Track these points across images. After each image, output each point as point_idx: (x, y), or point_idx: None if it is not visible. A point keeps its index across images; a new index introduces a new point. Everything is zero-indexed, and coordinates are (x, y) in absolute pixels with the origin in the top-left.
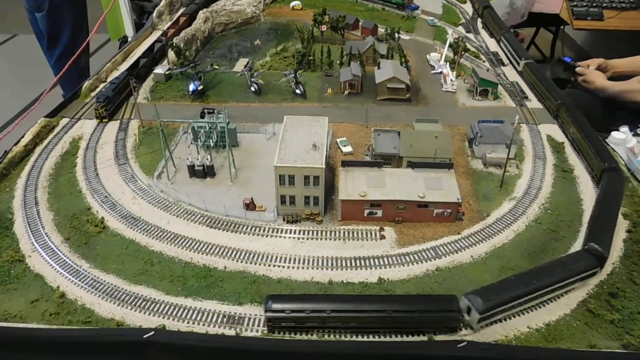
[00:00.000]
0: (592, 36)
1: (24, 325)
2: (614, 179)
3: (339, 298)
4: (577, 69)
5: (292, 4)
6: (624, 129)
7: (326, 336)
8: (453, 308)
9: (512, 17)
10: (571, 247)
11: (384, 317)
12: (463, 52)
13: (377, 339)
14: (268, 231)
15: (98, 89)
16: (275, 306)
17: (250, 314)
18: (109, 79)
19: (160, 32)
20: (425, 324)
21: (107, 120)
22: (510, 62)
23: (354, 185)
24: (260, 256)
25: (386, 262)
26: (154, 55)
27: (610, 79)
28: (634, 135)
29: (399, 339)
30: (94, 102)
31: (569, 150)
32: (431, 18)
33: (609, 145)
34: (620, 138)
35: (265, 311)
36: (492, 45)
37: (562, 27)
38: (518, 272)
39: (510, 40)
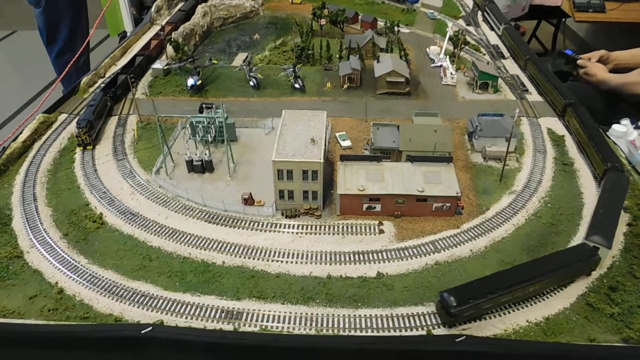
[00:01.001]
0: (594, 28)
1: (23, 321)
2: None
3: (507, 274)
4: (579, 62)
5: None
6: (625, 121)
7: (324, 331)
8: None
9: (513, 10)
10: (571, 240)
11: (545, 280)
12: (463, 45)
13: (377, 334)
14: (267, 226)
15: (96, 85)
16: (458, 300)
17: (249, 309)
18: (107, 74)
19: (159, 27)
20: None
21: (91, 147)
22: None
23: (353, 179)
24: (259, 251)
25: (385, 257)
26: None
27: (612, 71)
28: (635, 128)
29: (398, 334)
30: (75, 127)
31: (569, 143)
32: (431, 11)
33: (609, 138)
34: (621, 131)
35: (448, 307)
36: (493, 38)
37: (563, 19)
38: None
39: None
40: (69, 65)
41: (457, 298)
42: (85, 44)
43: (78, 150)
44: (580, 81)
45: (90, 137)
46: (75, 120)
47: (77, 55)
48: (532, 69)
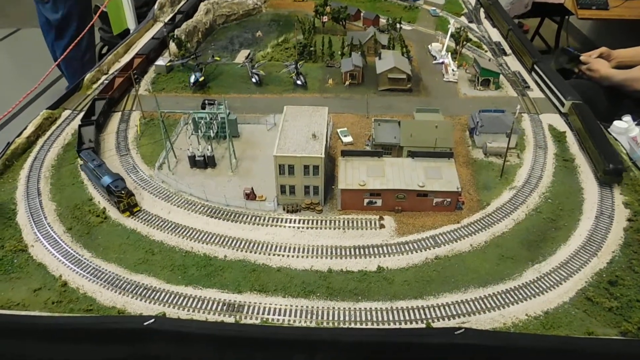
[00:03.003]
0: (597, 26)
1: (27, 313)
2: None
3: None
4: (581, 58)
5: None
6: (627, 118)
7: (325, 324)
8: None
9: (516, 7)
10: (571, 235)
11: None
12: (465, 42)
13: (376, 326)
14: (268, 221)
15: (100, 81)
16: None
17: (250, 302)
18: (110, 71)
19: (161, 24)
20: None
21: (138, 208)
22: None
23: (354, 174)
24: (260, 245)
25: (385, 251)
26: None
27: (615, 69)
28: (637, 124)
29: (397, 326)
30: (116, 192)
31: (570, 139)
32: (433, 8)
33: (611, 134)
34: (623, 127)
35: None
36: (495, 35)
37: (566, 17)
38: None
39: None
40: (70, 47)
41: None
42: (86, 30)
43: (124, 216)
44: (583, 78)
45: (134, 197)
46: (107, 184)
47: (78, 39)
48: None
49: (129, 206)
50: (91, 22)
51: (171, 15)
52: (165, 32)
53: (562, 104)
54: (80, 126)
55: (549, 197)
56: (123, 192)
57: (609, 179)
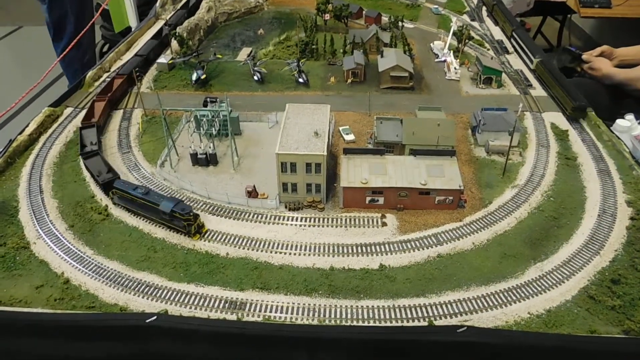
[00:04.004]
0: (600, 24)
1: (29, 310)
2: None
3: None
4: (583, 57)
5: None
6: (630, 116)
7: (327, 321)
8: None
9: (519, 5)
10: (574, 234)
11: None
12: (467, 40)
13: (378, 324)
14: (270, 218)
15: (101, 79)
16: None
17: (252, 300)
18: (112, 69)
19: (163, 22)
20: None
21: (206, 229)
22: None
23: (356, 172)
24: (262, 243)
25: (387, 249)
26: None
27: (616, 67)
28: (639, 123)
29: (400, 324)
30: (184, 216)
31: (573, 137)
32: (435, 6)
33: (613, 132)
34: (626, 126)
35: None
36: (497, 33)
37: (569, 15)
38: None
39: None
40: (70, 45)
41: None
42: (86, 29)
43: (194, 239)
44: (585, 77)
45: (199, 217)
46: (173, 206)
47: (79, 37)
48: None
49: (199, 227)
50: (91, 21)
51: (173, 13)
52: (167, 30)
53: (531, 61)
54: (83, 159)
55: (551, 196)
56: (191, 215)
57: (577, 115)
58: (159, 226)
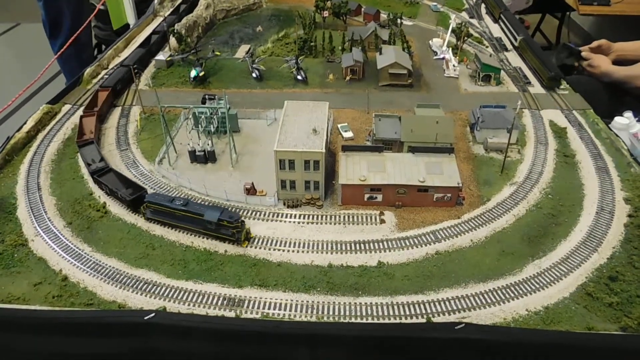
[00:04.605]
0: (599, 22)
1: (27, 307)
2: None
3: None
4: (583, 53)
5: None
6: (628, 114)
7: (325, 318)
8: None
9: (517, 3)
10: (572, 231)
11: None
12: (466, 38)
13: (377, 321)
14: (268, 216)
15: (99, 76)
16: None
17: (250, 297)
18: (110, 66)
19: (161, 19)
20: None
21: (253, 235)
22: None
23: (355, 169)
24: (261, 240)
25: (386, 246)
26: None
27: (614, 62)
28: (638, 120)
29: (397, 321)
30: (233, 224)
31: (571, 135)
32: (434, 3)
33: (612, 130)
34: (624, 123)
35: None
36: (496, 30)
37: (567, 12)
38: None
39: None
40: (60, 51)
41: None
42: (83, 26)
43: (242, 246)
44: (584, 74)
45: (247, 226)
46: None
47: (76, 35)
48: None
49: (247, 233)
50: (87, 20)
51: (171, 10)
52: (165, 26)
53: (516, 39)
54: (96, 177)
55: (549, 193)
56: (239, 222)
57: (552, 84)
58: (200, 236)
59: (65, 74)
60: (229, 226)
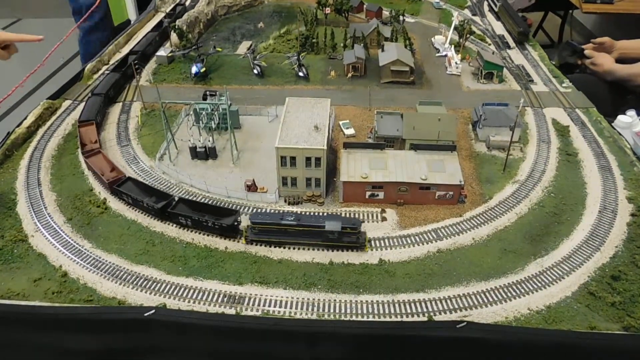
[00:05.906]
0: (602, 20)
1: (27, 303)
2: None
3: None
4: (585, 52)
5: None
6: (631, 112)
7: (326, 316)
8: None
9: (520, 1)
10: (574, 230)
11: None
12: (468, 35)
13: (378, 319)
14: None
15: (100, 72)
16: None
17: (251, 294)
18: (111, 61)
19: (163, 15)
20: None
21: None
22: None
23: (356, 167)
24: None
25: (387, 244)
26: None
27: (617, 60)
28: None
29: (398, 319)
30: (356, 231)
31: (574, 133)
32: (437, 1)
33: (615, 129)
34: (627, 122)
35: None
36: (499, 28)
37: (570, 11)
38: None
39: None
40: (80, 20)
41: None
42: (89, 12)
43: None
44: (587, 72)
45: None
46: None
47: (88, 13)
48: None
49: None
50: (95, 4)
51: (172, 5)
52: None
53: (496, 5)
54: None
55: (552, 192)
56: (361, 227)
57: (521, 38)
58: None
59: (83, 54)
60: (352, 233)
